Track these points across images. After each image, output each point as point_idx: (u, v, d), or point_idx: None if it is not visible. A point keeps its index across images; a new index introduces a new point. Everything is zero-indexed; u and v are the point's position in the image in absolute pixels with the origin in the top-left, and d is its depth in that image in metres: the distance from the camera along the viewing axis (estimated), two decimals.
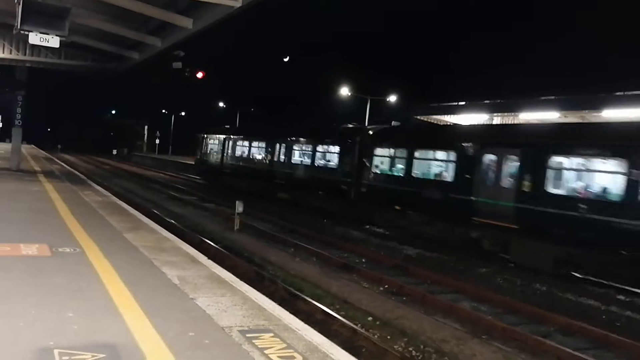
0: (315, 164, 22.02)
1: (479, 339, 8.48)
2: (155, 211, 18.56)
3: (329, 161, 21.62)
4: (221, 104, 67.81)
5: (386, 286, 11.23)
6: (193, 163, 36.66)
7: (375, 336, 8.15)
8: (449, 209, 14.72)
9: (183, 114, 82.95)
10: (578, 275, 12.07)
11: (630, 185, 10.74)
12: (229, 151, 29.62)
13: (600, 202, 11.55)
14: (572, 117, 16.92)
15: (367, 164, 18.35)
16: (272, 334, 5.09)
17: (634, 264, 10.58)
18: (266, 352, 4.64)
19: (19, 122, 23.86)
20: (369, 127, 20.82)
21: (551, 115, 18.11)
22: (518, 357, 7.92)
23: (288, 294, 9.87)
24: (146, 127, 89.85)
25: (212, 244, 13.73)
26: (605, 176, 11.84)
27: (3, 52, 19.86)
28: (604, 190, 11.77)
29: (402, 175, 16.92)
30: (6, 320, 4.85)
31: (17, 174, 21.14)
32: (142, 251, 8.32)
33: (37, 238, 8.46)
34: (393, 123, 24.29)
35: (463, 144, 14.68)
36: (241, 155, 28.68)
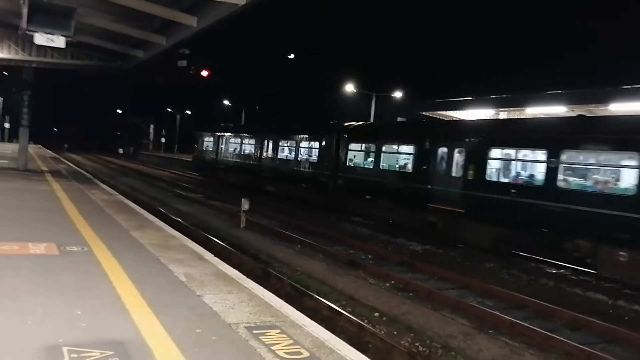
0: (298, 159, 23.79)
1: (486, 334, 8.48)
2: (161, 209, 18.63)
3: (310, 156, 23.10)
4: (226, 102, 67.77)
5: (393, 282, 11.25)
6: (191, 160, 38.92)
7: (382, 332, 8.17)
8: (411, 197, 16.53)
9: (189, 112, 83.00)
10: (519, 253, 13.55)
11: (550, 172, 12.48)
12: (222, 148, 31.51)
13: (526, 187, 13.43)
14: (579, 110, 16.84)
15: (343, 158, 20.35)
16: (278, 331, 5.10)
17: (553, 240, 12.58)
18: (273, 348, 4.66)
19: (26, 122, 23.97)
20: (345, 124, 22.19)
21: (558, 109, 18.04)
22: (526, 352, 7.91)
23: (294, 290, 9.90)
24: (152, 125, 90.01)
25: (218, 241, 13.77)
26: (531, 165, 13.79)
27: (9, 53, 19.96)
28: (530, 177, 13.62)
29: (371, 167, 18.96)
30: (15, 318, 4.88)
31: (24, 174, 21.23)
32: (149, 249, 8.35)
33: (45, 237, 8.50)
34: (399, 119, 24.38)
35: (420, 139, 16.60)
36: (233, 152, 30.56)
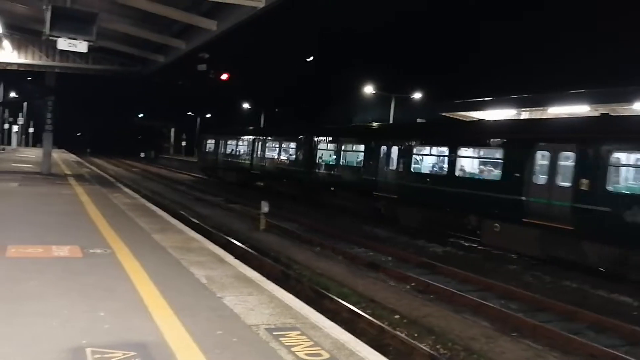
0: (281, 158, 27.68)
1: (508, 337, 8.38)
2: (182, 212, 18.79)
3: (290, 155, 26.65)
4: (246, 105, 68.07)
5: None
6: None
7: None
8: (362, 187, 20.10)
9: (209, 115, 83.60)
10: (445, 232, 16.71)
11: (449, 162, 16.42)
12: (221, 150, 35.64)
13: (435, 176, 17.20)
14: (603, 109, 16.53)
15: (314, 157, 24.01)
16: (299, 332, 5.10)
17: (454, 218, 16.31)
18: (293, 349, 4.66)
19: (50, 127, 24.35)
20: (317, 127, 26.68)
21: (581, 109, 17.76)
22: (549, 354, 7.80)
23: (314, 292, 9.91)
24: (173, 129, 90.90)
25: (238, 244, 13.84)
26: (435, 158, 18.03)
27: (33, 58, 20.33)
28: (439, 168, 17.46)
29: (333, 164, 22.73)
30: (40, 320, 4.96)
31: (48, 178, 21.58)
32: (170, 252, 8.40)
33: (68, 240, 8.62)
34: (418, 120, 24.43)
35: (368, 140, 20.51)
36: (230, 153, 34.63)
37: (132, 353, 4.32)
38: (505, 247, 14.40)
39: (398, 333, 8.07)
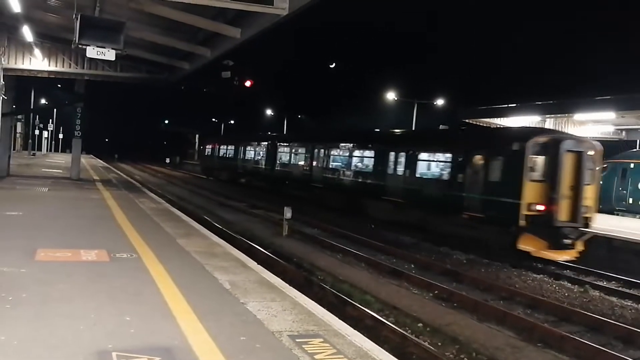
0: (255, 159, 34.72)
1: (534, 347, 8.25)
2: (206, 217, 18.95)
3: (262, 157, 33.39)
4: (269, 111, 68.51)
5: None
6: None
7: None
8: (303, 180, 26.82)
9: (232, 122, 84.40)
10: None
11: (348, 161, 22.88)
12: (216, 153, 43.29)
13: (340, 171, 23.65)
14: (631, 117, 16.23)
15: (275, 158, 30.83)
16: (321, 339, 5.10)
17: (354, 200, 21.89)
18: (316, 357, 4.67)
19: (79, 133, 24.88)
20: (277, 134, 35.49)
21: (607, 116, 17.49)
22: None
23: (337, 299, 9.89)
24: (197, 135, 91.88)
25: (261, 249, 13.90)
26: (340, 158, 24.24)
27: (63, 66, 20.82)
28: (343, 166, 23.69)
29: (287, 163, 29.62)
30: (68, 323, 5.05)
31: (77, 183, 22.03)
32: (195, 256, 8.48)
33: (96, 244, 8.78)
34: (441, 127, 24.36)
35: (306, 144, 27.23)
36: (221, 155, 41.93)
37: (157, 358, 4.38)
38: (377, 217, 20.15)
39: (421, 341, 8.01)
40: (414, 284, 11.70)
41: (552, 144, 14.22)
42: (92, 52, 12.10)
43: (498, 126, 22.67)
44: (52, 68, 20.79)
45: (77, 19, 11.64)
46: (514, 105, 20.94)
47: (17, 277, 6.53)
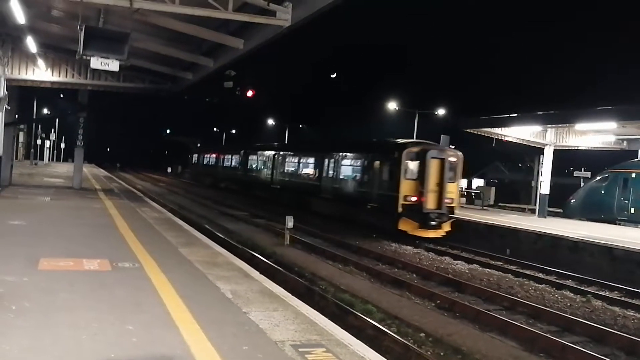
0: (230, 166, 41.29)
1: (536, 357, 8.23)
2: (208, 227, 18.97)
3: (235, 165, 39.99)
4: (270, 121, 68.64)
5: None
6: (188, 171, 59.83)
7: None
8: (266, 184, 32.16)
9: (234, 131, 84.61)
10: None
11: (296, 167, 28.46)
12: (200, 162, 51.65)
13: (291, 175, 29.03)
14: (632, 127, 16.30)
15: (246, 165, 37.18)
16: (324, 349, 5.10)
17: (300, 198, 26.47)
18: None
19: (81, 143, 24.94)
20: (248, 145, 40.36)
21: (609, 125, 17.50)
22: None
23: (339, 308, 9.88)
24: (199, 144, 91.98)
25: (263, 259, 13.91)
26: (290, 165, 30.03)
27: (66, 77, 20.92)
28: (292, 170, 29.11)
29: (254, 169, 35.79)
30: (71, 333, 5.05)
31: (79, 192, 22.05)
32: (197, 266, 8.46)
33: (98, 253, 8.77)
34: (442, 136, 24.57)
35: (268, 153, 32.94)
36: (204, 164, 49.83)
37: None
38: (318, 211, 24.54)
39: (424, 352, 8.00)
40: (415, 293, 11.73)
41: (421, 152, 19.34)
42: (96, 62, 12.19)
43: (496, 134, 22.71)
44: (56, 78, 20.90)
45: (81, 29, 11.75)
46: (515, 115, 20.98)
47: (20, 286, 6.53)
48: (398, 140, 22.64)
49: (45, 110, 61.43)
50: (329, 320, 6.23)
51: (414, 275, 13.67)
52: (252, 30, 13.88)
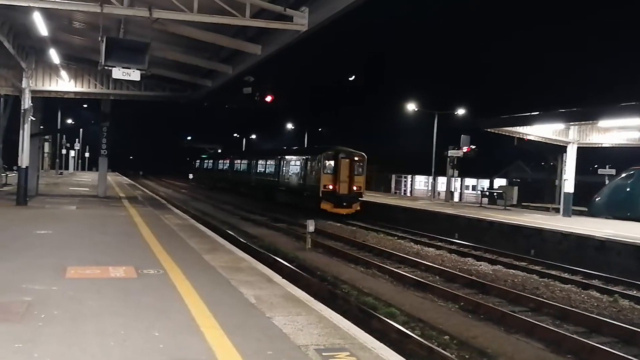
0: (222, 169, 50.73)
1: (563, 359, 8.12)
2: (230, 232, 19.11)
3: (225, 169, 49.17)
4: (290, 125, 68.73)
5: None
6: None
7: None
8: (247, 182, 40.01)
9: (254, 136, 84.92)
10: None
11: (262, 168, 37.76)
12: (203, 167, 61.56)
13: (259, 174, 37.87)
14: None
15: (234, 169, 45.49)
16: (348, 353, 5.10)
17: (265, 193, 35.76)
18: None
19: (105, 152, 25.32)
20: (235, 152, 53.48)
21: (635, 122, 17.18)
22: None
23: (362, 312, 9.88)
24: (220, 150, 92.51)
25: (285, 263, 13.95)
26: (256, 166, 39.29)
27: (89, 87, 21.27)
28: (260, 170, 38.04)
29: (240, 171, 43.42)
30: (98, 340, 5.12)
31: (104, 201, 22.39)
32: (220, 272, 8.52)
33: (124, 260, 8.89)
34: (462, 137, 24.40)
35: (247, 158, 42.48)
36: (205, 168, 59.91)
37: None
38: (277, 201, 32.79)
39: (449, 354, 7.95)
40: (439, 295, 11.64)
41: (335, 155, 27.94)
42: (117, 73, 12.33)
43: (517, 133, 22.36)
44: (79, 89, 21.24)
45: (102, 41, 11.92)
46: (537, 113, 20.64)
47: (48, 294, 6.64)
48: (321, 146, 32.17)
49: (69, 121, 62.53)
50: (352, 324, 6.22)
51: (437, 277, 13.59)
52: (270, 36, 13.94)
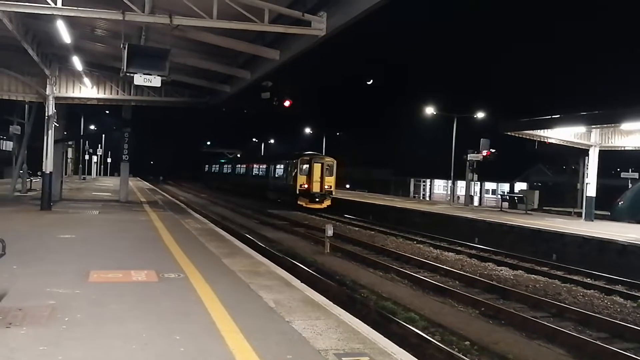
0: (226, 173, 57.96)
1: None
2: (249, 236, 19.20)
3: (228, 172, 57.00)
4: (308, 130, 68.75)
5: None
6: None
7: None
8: (245, 184, 47.38)
9: (272, 141, 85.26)
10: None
11: (261, 172, 43.73)
12: (209, 171, 70.11)
13: (256, 177, 44.58)
14: None
15: (235, 173, 53.21)
16: (367, 358, 5.08)
17: (261, 192, 40.69)
18: None
19: (126, 157, 25.68)
20: (235, 158, 61.52)
21: None
22: None
23: (381, 316, 9.85)
24: (238, 155, 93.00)
25: (304, 267, 13.97)
26: (257, 170, 45.61)
27: (111, 93, 21.62)
28: (260, 174, 43.98)
29: (239, 175, 51.24)
30: (121, 343, 5.18)
31: (125, 205, 22.65)
32: (240, 275, 8.56)
33: (145, 264, 8.99)
34: (482, 140, 24.18)
35: (244, 163, 51.57)
36: (212, 172, 67.74)
37: None
38: (267, 199, 37.49)
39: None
40: (458, 300, 11.55)
41: (309, 159, 33.53)
42: (139, 79, 12.49)
43: (536, 136, 22.08)
44: (101, 95, 21.59)
45: (124, 48, 12.08)
46: (558, 116, 20.38)
47: (72, 298, 6.73)
48: (298, 152, 37.24)
49: (92, 127, 63.52)
50: (372, 329, 6.20)
51: (457, 282, 13.50)
52: (288, 41, 14.01)
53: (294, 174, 33.78)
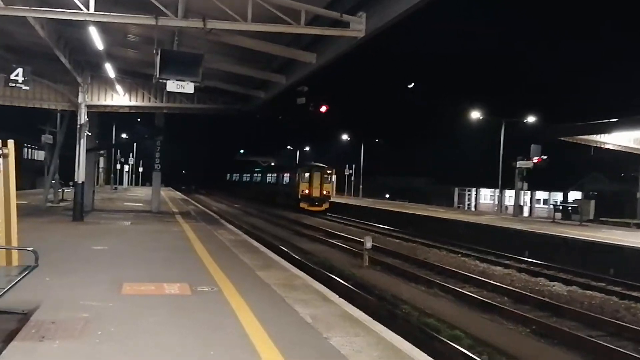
0: (243, 181, 66.74)
1: None
2: (283, 248, 18.76)
3: (244, 180, 65.70)
4: (345, 137, 67.60)
5: None
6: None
7: None
8: (260, 190, 54.09)
9: (307, 149, 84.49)
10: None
11: (271, 178, 52.01)
12: (232, 179, 75.07)
13: (268, 184, 51.78)
14: None
15: (252, 180, 60.93)
16: None
17: (270, 197, 48.47)
18: None
19: (158, 166, 25.51)
20: (251, 167, 66.39)
21: None
22: None
23: (423, 334, 9.25)
24: (272, 164, 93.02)
25: (341, 281, 13.45)
26: (268, 177, 53.87)
27: (143, 101, 21.50)
28: (270, 180, 52.03)
29: (256, 181, 58.26)
30: (155, 356, 5.03)
31: (157, 216, 22.52)
32: (275, 289, 8.28)
33: (178, 277, 8.75)
34: (533, 146, 23.10)
35: (258, 171, 60.16)
36: (233, 181, 73.62)
37: None
38: (278, 203, 43.62)
39: None
40: (507, 317, 10.82)
41: (309, 169, 41.03)
42: (172, 86, 12.27)
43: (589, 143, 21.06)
44: (133, 103, 21.47)
45: (157, 54, 11.86)
46: (616, 120, 19.32)
47: (105, 310, 6.59)
48: (300, 162, 48.63)
49: (123, 135, 63.73)
50: (414, 347, 5.83)
51: (505, 298, 12.73)
52: (325, 44, 13.57)
53: (297, 181, 40.57)
